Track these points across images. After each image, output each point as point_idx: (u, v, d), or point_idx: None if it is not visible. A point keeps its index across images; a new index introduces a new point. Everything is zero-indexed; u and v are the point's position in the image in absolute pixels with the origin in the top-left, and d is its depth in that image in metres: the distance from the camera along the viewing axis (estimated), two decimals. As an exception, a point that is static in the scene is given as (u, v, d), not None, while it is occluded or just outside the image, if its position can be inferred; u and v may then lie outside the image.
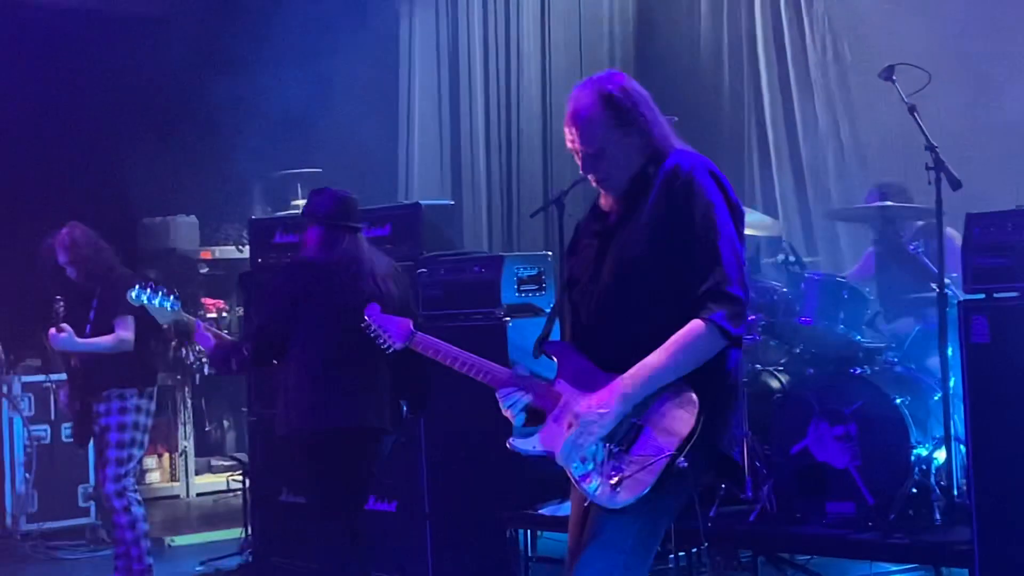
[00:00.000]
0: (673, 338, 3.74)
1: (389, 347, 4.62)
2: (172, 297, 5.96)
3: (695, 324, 3.74)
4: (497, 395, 4.02)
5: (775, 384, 6.95)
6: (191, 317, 6.10)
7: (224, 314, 11.10)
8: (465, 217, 9.93)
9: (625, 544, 3.80)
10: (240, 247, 10.70)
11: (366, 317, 4.69)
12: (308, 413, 5.67)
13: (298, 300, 5.65)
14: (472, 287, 7.00)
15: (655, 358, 3.74)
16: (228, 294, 11.03)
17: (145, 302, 5.95)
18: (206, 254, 10.99)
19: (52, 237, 7.20)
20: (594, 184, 4.04)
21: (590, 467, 3.79)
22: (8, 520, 8.98)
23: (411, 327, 4.59)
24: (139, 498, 7.16)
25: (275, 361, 5.83)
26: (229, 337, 6.07)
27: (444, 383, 6.73)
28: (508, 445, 4.01)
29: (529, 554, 6.90)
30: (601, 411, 3.75)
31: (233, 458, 10.53)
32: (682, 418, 3.74)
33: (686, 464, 3.71)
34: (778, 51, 8.83)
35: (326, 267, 5.69)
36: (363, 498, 5.98)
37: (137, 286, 6.00)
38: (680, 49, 9.09)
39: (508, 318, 6.85)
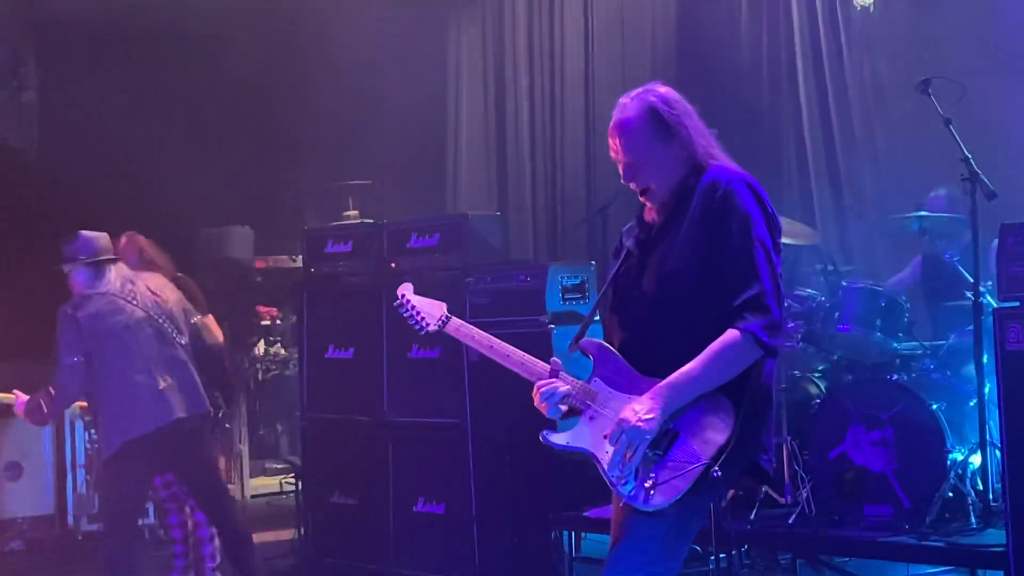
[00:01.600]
0: (710, 347, 3.78)
1: (422, 329, 4.37)
2: None
3: (731, 334, 3.78)
4: (535, 388, 4.02)
5: (814, 390, 6.99)
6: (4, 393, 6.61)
7: (278, 321, 11.17)
8: (511, 227, 9.89)
9: (654, 544, 3.83)
10: (293, 257, 10.77)
11: (399, 296, 4.42)
12: (138, 421, 6.19)
13: (90, 331, 6.23)
14: (518, 295, 7.05)
15: (693, 367, 3.78)
16: (282, 303, 11.08)
17: None
18: (260, 263, 11.04)
19: (115, 247, 7.20)
20: (637, 193, 4.07)
21: (627, 470, 3.82)
22: (70, 520, 9.08)
23: (445, 310, 4.37)
24: None
25: (81, 394, 6.42)
26: (30, 395, 6.49)
27: (491, 387, 6.93)
28: (541, 438, 4.02)
29: (574, 555, 6.94)
30: (647, 418, 3.78)
31: (287, 461, 10.61)
32: (718, 427, 3.78)
33: (720, 474, 3.75)
34: (815, 63, 8.80)
35: (102, 296, 6.32)
36: (216, 480, 6.57)
37: None
38: (720, 62, 9.02)
39: (553, 325, 6.88)
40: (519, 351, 4.16)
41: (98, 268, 6.41)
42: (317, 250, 8.19)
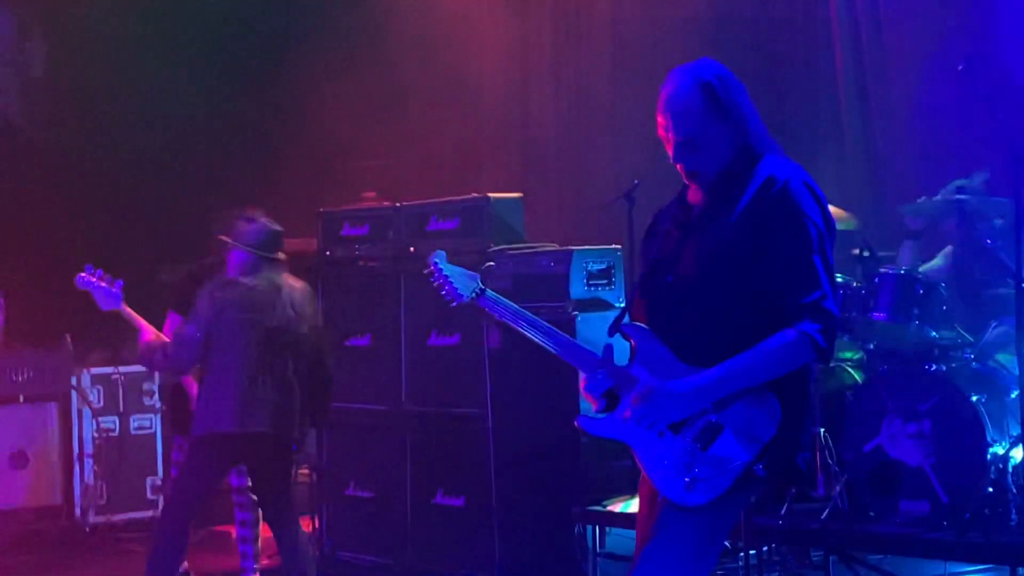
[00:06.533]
0: (765, 344, 3.71)
1: (453, 300, 4.16)
2: (117, 287, 6.39)
3: (789, 334, 3.70)
4: (582, 377, 3.91)
5: (848, 380, 6.92)
6: (131, 312, 6.48)
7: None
8: (534, 210, 9.86)
9: (690, 542, 3.76)
10: (307, 240, 10.69)
11: (430, 264, 4.22)
12: (226, 417, 6.23)
13: (219, 314, 6.27)
14: (541, 280, 6.95)
15: (744, 360, 3.71)
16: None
17: (91, 289, 6.41)
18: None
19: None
20: (683, 174, 3.95)
21: (664, 461, 3.74)
22: (77, 512, 9.02)
23: (479, 282, 4.15)
24: None
25: (191, 367, 6.53)
26: (164, 338, 6.51)
27: (513, 375, 6.86)
28: (575, 424, 3.94)
29: (598, 551, 6.88)
30: (675, 391, 3.70)
31: (300, 451, 10.51)
32: (764, 425, 3.71)
33: (764, 474, 3.70)
34: (854, 41, 8.67)
35: (247, 287, 6.34)
36: (286, 500, 6.49)
37: (87, 271, 6.36)
38: (752, 33, 8.95)
39: (577, 312, 6.77)
40: (560, 333, 3.99)
41: (254, 261, 6.38)
42: (332, 233, 8.15)
